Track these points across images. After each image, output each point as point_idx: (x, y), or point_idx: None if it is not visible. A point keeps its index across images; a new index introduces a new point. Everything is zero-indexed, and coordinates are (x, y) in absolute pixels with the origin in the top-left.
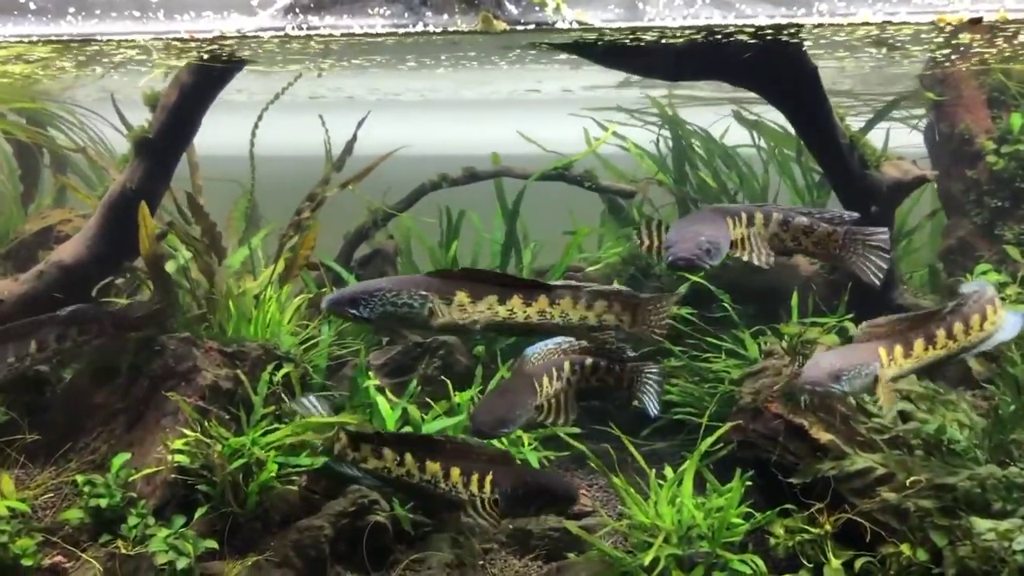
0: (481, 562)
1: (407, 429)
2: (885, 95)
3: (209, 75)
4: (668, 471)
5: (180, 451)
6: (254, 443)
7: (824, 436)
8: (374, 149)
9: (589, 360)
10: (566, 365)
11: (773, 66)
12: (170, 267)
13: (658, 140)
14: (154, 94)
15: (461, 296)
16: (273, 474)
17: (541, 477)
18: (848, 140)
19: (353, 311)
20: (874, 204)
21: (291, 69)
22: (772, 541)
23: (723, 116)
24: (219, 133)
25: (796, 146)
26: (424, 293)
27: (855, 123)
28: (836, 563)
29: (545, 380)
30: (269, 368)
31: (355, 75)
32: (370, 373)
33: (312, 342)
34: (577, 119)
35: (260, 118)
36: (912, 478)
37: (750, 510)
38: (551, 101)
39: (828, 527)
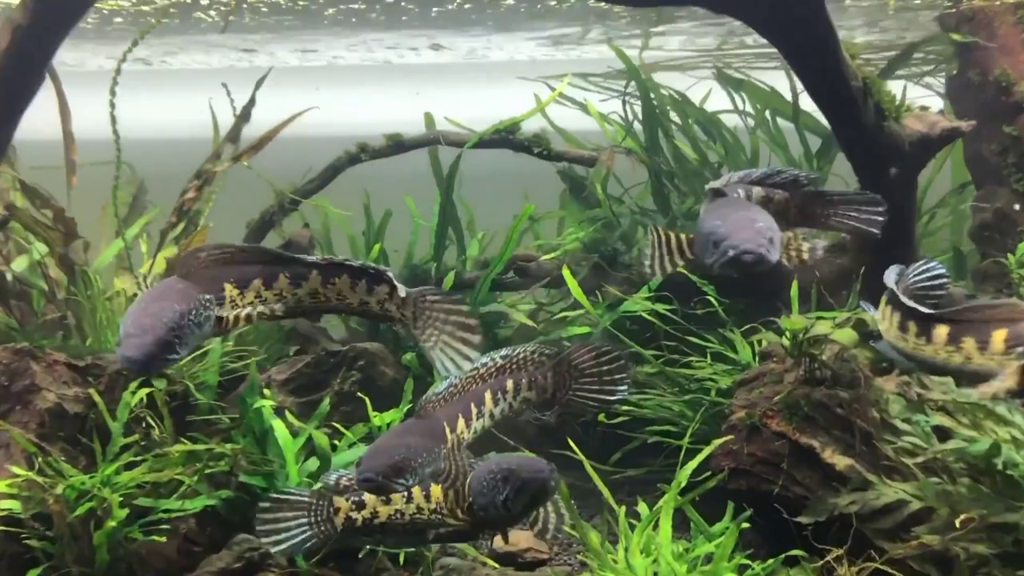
0: None
1: (313, 460)
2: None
3: (52, 12)
4: (642, 507)
5: (8, 495)
6: (105, 482)
7: (841, 461)
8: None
9: (509, 382)
10: (487, 397)
11: None
12: (21, 263)
13: (624, 103)
14: None
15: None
16: (119, 520)
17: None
18: (861, 83)
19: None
20: (893, 165)
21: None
22: None
23: (700, 80)
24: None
25: (793, 105)
26: (207, 297)
27: None
28: None
29: (460, 423)
30: (132, 387)
31: (277, 37)
32: (266, 391)
33: (200, 352)
34: (529, 86)
35: (117, 77)
36: (963, 517)
37: (746, 561)
38: (499, 67)
39: None
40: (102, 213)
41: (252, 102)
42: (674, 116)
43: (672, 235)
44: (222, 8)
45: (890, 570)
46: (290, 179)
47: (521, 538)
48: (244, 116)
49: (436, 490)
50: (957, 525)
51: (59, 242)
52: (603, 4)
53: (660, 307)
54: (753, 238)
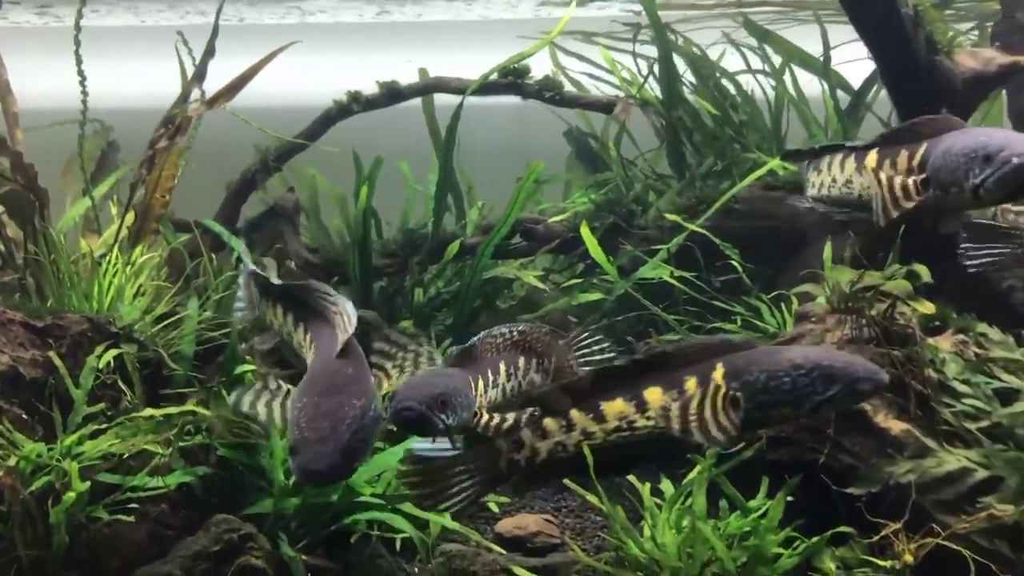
0: None
1: None
2: None
3: None
4: (666, 485)
5: None
6: (66, 454)
7: (896, 425)
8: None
9: (521, 359)
10: (501, 368)
11: None
12: None
13: (635, 57)
14: None
15: None
16: (81, 494)
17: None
18: (912, 11)
19: None
20: (943, 105)
21: None
22: None
23: (714, 42)
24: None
25: (824, 58)
26: None
27: None
28: None
29: (481, 382)
30: (98, 350)
31: None
32: (248, 358)
33: (173, 320)
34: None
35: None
36: None
37: (796, 534)
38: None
39: (908, 559)
40: (66, 168)
41: (215, 32)
42: (690, 77)
43: (893, 177)
44: None
45: (954, 546)
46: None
47: (530, 521)
48: (209, 51)
49: (614, 406)
50: None
51: (18, 196)
52: None
53: (681, 273)
54: None
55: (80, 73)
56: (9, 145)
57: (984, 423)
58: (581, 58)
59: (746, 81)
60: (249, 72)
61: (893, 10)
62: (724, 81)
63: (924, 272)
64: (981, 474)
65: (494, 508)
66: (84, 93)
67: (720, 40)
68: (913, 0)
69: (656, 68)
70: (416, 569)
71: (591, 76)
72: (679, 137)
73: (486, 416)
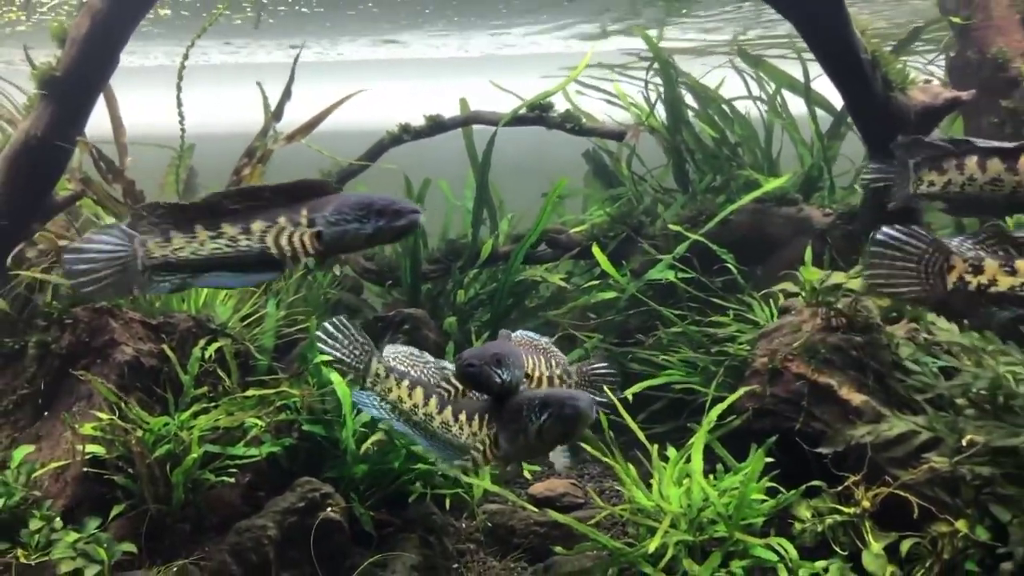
0: (455, 564)
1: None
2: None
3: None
4: (671, 452)
5: (93, 439)
6: (181, 426)
7: (856, 397)
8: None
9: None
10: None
11: None
12: None
13: (647, 85)
14: (62, 26)
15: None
16: (197, 458)
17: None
18: (870, 56)
19: None
20: (899, 133)
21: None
22: (797, 526)
23: (713, 68)
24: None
25: (803, 86)
26: None
27: None
28: (877, 547)
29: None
30: (201, 343)
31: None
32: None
33: (256, 317)
34: (553, 80)
35: (183, 66)
36: (968, 438)
37: (775, 484)
38: (523, 61)
39: (866, 504)
40: (160, 191)
41: (292, 78)
42: (692, 102)
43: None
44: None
45: (903, 493)
46: (326, 165)
47: (558, 484)
48: (286, 93)
49: None
50: (964, 443)
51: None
52: None
53: (683, 274)
54: None
55: (179, 106)
56: (123, 173)
57: (929, 395)
58: (598, 89)
59: (745, 106)
60: (322, 114)
61: (853, 55)
62: (723, 106)
63: None
64: (925, 435)
65: (528, 475)
66: (182, 126)
67: (722, 64)
68: (871, 47)
69: (662, 96)
70: (463, 524)
71: (608, 102)
72: (682, 157)
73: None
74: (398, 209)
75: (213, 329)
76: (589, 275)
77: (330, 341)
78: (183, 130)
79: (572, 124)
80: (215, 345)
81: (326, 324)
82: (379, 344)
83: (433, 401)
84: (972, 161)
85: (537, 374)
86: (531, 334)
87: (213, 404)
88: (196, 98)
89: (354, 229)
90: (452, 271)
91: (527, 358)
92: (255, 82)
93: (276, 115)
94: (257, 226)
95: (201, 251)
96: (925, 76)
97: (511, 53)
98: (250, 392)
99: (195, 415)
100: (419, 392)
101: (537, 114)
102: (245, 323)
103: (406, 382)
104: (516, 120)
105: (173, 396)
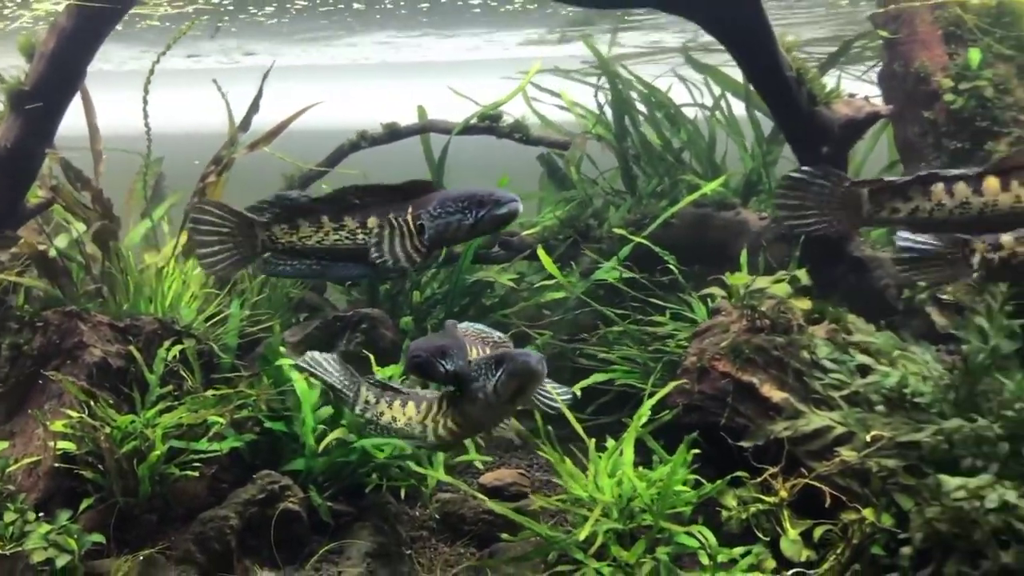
0: (408, 551)
1: (325, 409)
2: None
3: (92, 17)
4: (610, 444)
5: (64, 436)
6: (147, 424)
7: (776, 394)
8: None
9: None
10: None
11: None
12: (63, 241)
13: (596, 94)
14: (29, 40)
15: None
16: (161, 454)
17: None
18: (795, 73)
19: None
20: (825, 145)
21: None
22: (724, 514)
23: (663, 73)
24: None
25: (744, 90)
26: None
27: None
28: (793, 533)
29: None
30: (166, 344)
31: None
32: (283, 350)
33: (220, 318)
34: (514, 82)
35: (151, 73)
36: (872, 434)
37: (699, 478)
38: (485, 64)
39: (783, 494)
40: (129, 196)
41: (260, 93)
42: (641, 107)
43: None
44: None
45: (817, 484)
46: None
47: (507, 474)
48: (254, 107)
49: None
50: (868, 439)
51: (97, 221)
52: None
53: (627, 274)
54: None
55: (146, 117)
56: (91, 182)
57: (845, 392)
58: (554, 94)
59: (695, 110)
60: (284, 123)
61: (779, 72)
62: (671, 110)
63: (803, 276)
64: (839, 430)
65: (480, 465)
66: (148, 129)
67: (670, 70)
68: (796, 64)
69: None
70: (417, 512)
71: (561, 108)
72: (628, 162)
73: None
74: (498, 199)
75: (178, 330)
76: (542, 275)
77: (320, 369)
78: (150, 140)
79: (520, 134)
80: (179, 346)
81: (309, 356)
82: (336, 344)
83: (424, 406)
84: (939, 188)
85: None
86: (480, 326)
87: (178, 402)
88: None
89: (456, 220)
90: (408, 272)
91: (472, 348)
92: (211, 80)
93: (244, 126)
94: (372, 221)
95: (325, 241)
96: (866, 85)
97: (470, 58)
98: (209, 392)
99: (160, 413)
100: (411, 406)
101: (487, 124)
102: (210, 323)
103: (397, 402)
104: (467, 130)
105: (140, 395)
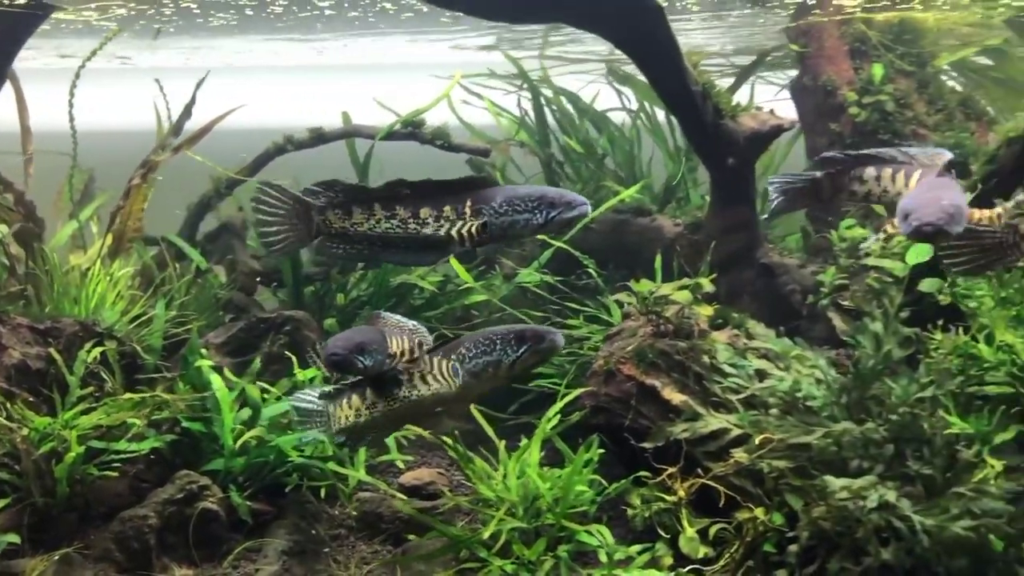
0: (327, 549)
1: (245, 410)
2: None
3: (9, 24)
4: (524, 443)
5: None
6: (65, 425)
7: (677, 397)
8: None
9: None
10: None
11: (614, 4)
12: None
13: (519, 101)
14: None
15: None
16: (79, 455)
17: None
18: (701, 87)
19: None
20: (731, 157)
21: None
22: (629, 512)
23: (589, 82)
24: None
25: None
26: None
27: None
28: (691, 531)
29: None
30: (87, 346)
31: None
32: (203, 351)
33: (146, 319)
34: (443, 82)
35: (76, 78)
36: (761, 437)
37: (600, 479)
38: (413, 67)
39: (682, 494)
40: (57, 197)
41: (193, 100)
42: (570, 111)
43: None
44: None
45: (714, 484)
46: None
47: (426, 474)
48: (186, 112)
49: None
50: (757, 442)
51: (20, 223)
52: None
53: (548, 278)
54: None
55: (71, 120)
56: (13, 184)
57: (742, 395)
58: (482, 98)
59: (621, 117)
60: (208, 125)
61: (685, 88)
62: (594, 117)
63: (706, 283)
64: (735, 432)
65: (400, 464)
66: (74, 138)
67: (596, 80)
68: (702, 79)
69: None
70: (336, 511)
71: (493, 113)
72: (552, 168)
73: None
74: (570, 201)
75: (99, 332)
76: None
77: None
78: (75, 142)
79: (442, 141)
80: (100, 349)
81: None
82: (260, 346)
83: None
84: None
85: (400, 350)
86: (398, 317)
87: (100, 403)
88: (90, 95)
89: (525, 220)
90: (331, 274)
91: (392, 338)
92: (153, 79)
93: (176, 131)
94: (425, 212)
95: (376, 228)
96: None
97: (397, 62)
98: (127, 396)
99: (80, 414)
100: (355, 398)
101: (409, 130)
102: (135, 324)
103: (344, 400)
104: (390, 135)
105: (60, 396)
